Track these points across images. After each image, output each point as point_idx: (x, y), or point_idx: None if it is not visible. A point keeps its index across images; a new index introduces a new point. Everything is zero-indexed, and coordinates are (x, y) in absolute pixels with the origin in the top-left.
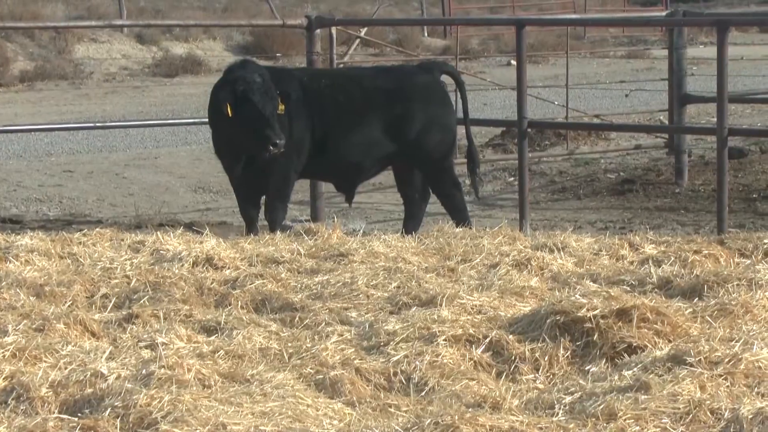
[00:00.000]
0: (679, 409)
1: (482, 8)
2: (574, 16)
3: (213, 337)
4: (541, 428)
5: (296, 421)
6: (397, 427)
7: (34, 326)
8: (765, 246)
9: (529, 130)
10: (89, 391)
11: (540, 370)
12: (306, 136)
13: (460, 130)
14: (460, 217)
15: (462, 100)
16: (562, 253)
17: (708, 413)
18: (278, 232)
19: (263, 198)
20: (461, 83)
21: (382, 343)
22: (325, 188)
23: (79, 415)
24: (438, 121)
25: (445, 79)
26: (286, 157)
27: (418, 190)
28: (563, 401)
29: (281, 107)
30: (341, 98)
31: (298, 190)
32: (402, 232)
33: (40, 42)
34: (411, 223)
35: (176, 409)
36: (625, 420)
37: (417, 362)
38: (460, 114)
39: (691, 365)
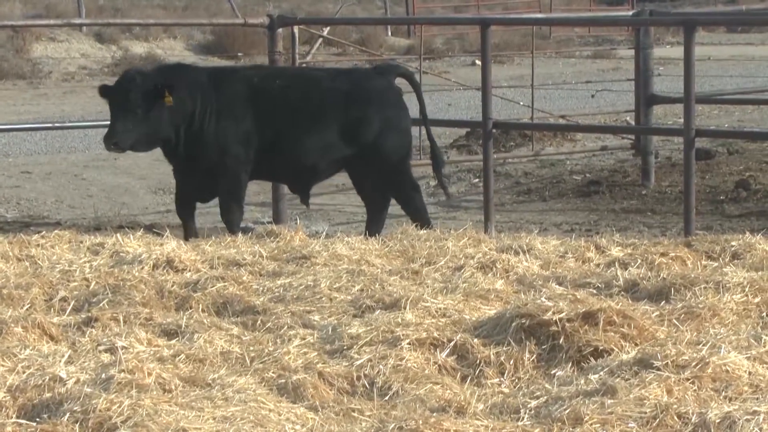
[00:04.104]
0: (645, 413)
1: (446, 7)
2: (539, 15)
3: (174, 341)
4: None
5: (258, 425)
6: None
7: None
8: (732, 248)
9: (494, 130)
10: (48, 395)
11: (505, 374)
12: (253, 136)
13: (416, 132)
14: (421, 219)
15: (419, 102)
16: (527, 255)
17: (675, 417)
18: (239, 234)
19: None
20: (417, 85)
21: (345, 347)
22: (288, 190)
23: (37, 419)
24: (393, 124)
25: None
26: (234, 158)
27: (378, 192)
28: (529, 405)
29: (168, 99)
30: (294, 99)
31: (260, 191)
32: (365, 235)
33: None
34: (374, 225)
35: (136, 414)
36: (591, 424)
37: (381, 366)
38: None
39: (658, 369)
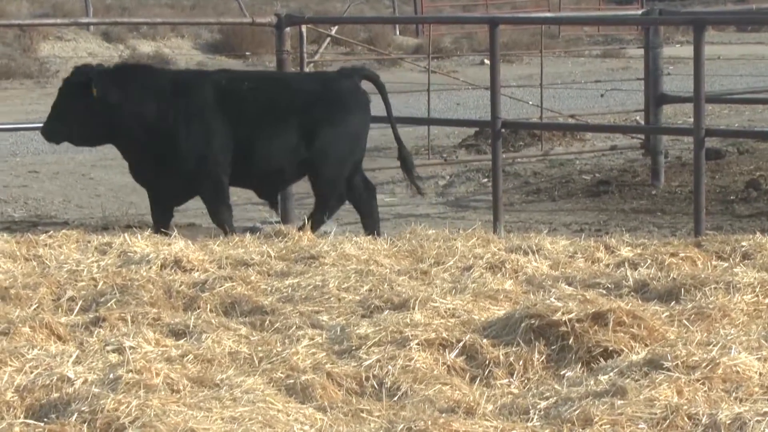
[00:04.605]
0: (655, 414)
1: (455, 6)
2: (548, 14)
3: (182, 341)
4: None
5: (266, 426)
6: None
7: None
8: (742, 248)
9: (503, 130)
10: (55, 395)
11: (514, 375)
12: (226, 137)
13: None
14: (373, 222)
15: (385, 104)
16: (536, 255)
17: (685, 419)
18: (248, 234)
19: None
20: (382, 87)
21: (353, 347)
22: (296, 189)
23: (45, 420)
24: (356, 127)
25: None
26: (211, 160)
27: (360, 188)
28: (538, 406)
29: (93, 91)
30: (260, 102)
31: None
32: (366, 233)
33: (4, 40)
34: (369, 221)
35: (144, 414)
36: (601, 425)
37: (389, 367)
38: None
39: (668, 370)
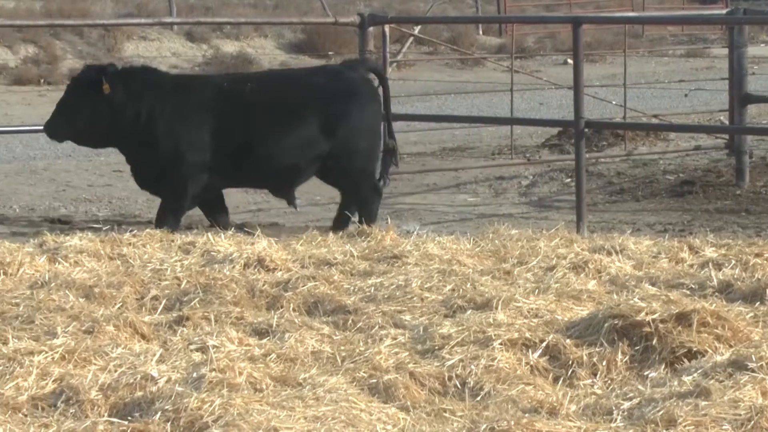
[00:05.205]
0: (740, 415)
1: (538, 6)
2: (632, 14)
3: (265, 340)
4: None
5: (349, 425)
6: None
7: (83, 328)
8: None
9: (586, 130)
10: (139, 394)
11: (598, 375)
12: (230, 139)
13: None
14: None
15: (384, 99)
16: (620, 255)
17: None
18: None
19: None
20: (385, 81)
21: (436, 347)
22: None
23: (129, 418)
24: (369, 118)
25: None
26: (206, 162)
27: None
28: (621, 407)
29: (105, 87)
30: (267, 101)
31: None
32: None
33: (89, 40)
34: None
35: (227, 413)
36: (684, 426)
37: (472, 366)
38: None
39: (753, 371)
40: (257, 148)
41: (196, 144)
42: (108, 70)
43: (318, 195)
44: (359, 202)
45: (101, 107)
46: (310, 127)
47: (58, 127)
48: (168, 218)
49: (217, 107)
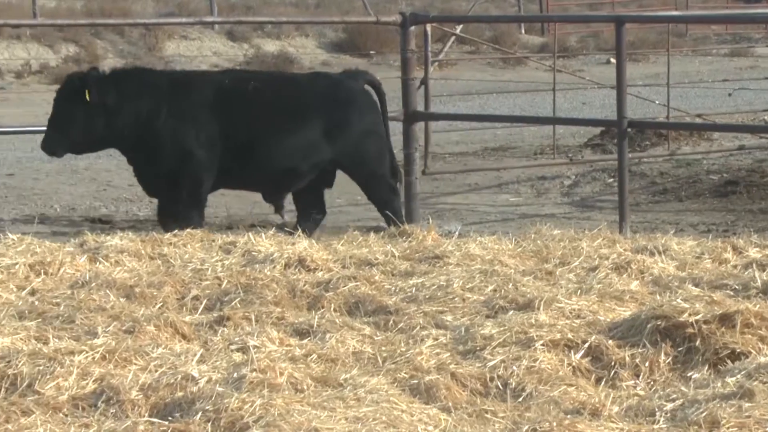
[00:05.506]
0: None
1: (581, 5)
2: (675, 12)
3: (305, 341)
4: None
5: (390, 426)
6: None
7: (124, 328)
8: None
9: (629, 130)
10: (180, 394)
11: (640, 377)
12: (224, 139)
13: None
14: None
15: (381, 112)
16: (663, 256)
17: None
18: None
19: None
20: (383, 94)
21: (478, 348)
22: (420, 189)
23: (169, 418)
24: (370, 128)
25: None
26: (204, 161)
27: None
28: (664, 408)
29: (87, 95)
30: (265, 103)
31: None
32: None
33: (130, 39)
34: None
35: (268, 414)
36: (728, 428)
37: (514, 367)
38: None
39: None
40: (258, 148)
41: (203, 139)
42: (90, 75)
43: (359, 195)
44: (379, 205)
45: (94, 113)
46: (312, 132)
47: (55, 144)
48: (193, 216)
49: (217, 105)
